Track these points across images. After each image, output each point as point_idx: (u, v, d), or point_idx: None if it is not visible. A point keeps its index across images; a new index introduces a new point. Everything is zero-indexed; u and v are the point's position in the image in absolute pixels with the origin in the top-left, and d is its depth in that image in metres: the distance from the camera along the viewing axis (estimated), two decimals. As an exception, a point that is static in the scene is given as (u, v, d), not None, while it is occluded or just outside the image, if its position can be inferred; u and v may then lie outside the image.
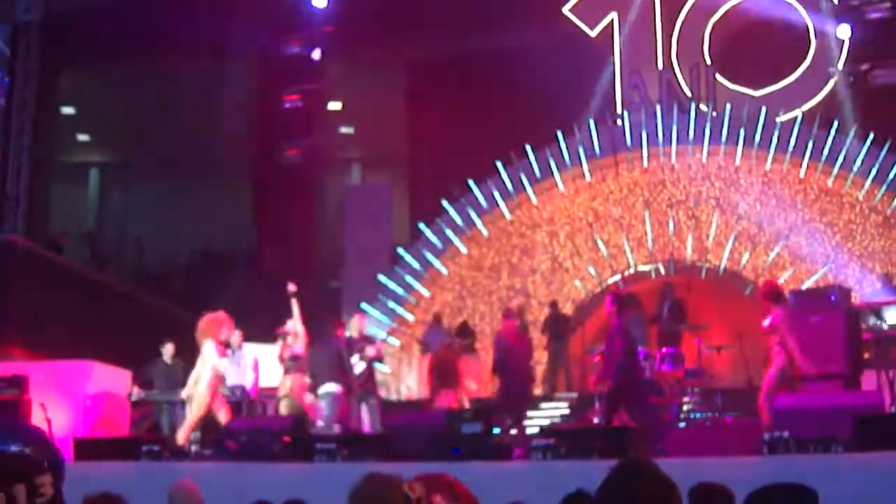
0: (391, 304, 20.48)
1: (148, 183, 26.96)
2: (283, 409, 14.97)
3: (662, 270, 19.40)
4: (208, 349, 13.45)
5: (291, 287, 14.74)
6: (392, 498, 3.85)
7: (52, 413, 13.09)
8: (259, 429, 12.77)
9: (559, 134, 19.90)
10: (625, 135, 19.84)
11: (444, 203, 20.55)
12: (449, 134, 23.53)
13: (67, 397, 14.86)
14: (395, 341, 20.25)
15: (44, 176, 23.47)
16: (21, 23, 22.09)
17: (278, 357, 15.09)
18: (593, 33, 20.94)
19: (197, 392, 13.40)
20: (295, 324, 14.79)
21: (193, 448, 13.56)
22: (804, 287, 17.12)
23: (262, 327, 16.66)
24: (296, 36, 22.71)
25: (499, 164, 20.20)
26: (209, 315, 13.90)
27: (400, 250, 20.99)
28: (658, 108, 19.76)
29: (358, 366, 15.56)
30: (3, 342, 18.01)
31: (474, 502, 4.20)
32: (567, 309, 19.61)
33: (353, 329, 15.37)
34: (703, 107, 19.68)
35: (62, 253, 22.49)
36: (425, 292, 20.48)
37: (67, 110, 26.83)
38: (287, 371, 15.03)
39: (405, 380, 20.49)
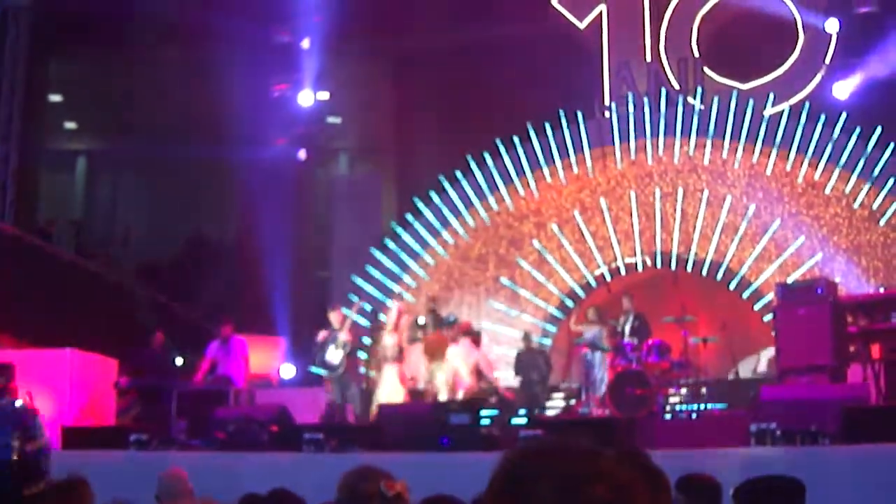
0: (378, 295, 20.45)
1: (136, 171, 26.89)
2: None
3: (649, 262, 19.44)
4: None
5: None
6: (368, 491, 3.90)
7: (37, 401, 13.08)
8: (247, 418, 12.79)
9: (547, 125, 19.88)
10: (612, 127, 19.84)
11: (432, 193, 20.53)
12: (437, 124, 23.53)
13: (52, 385, 14.83)
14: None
15: (31, 163, 23.43)
16: (10, 9, 22.02)
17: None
18: (582, 25, 20.92)
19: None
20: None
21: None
22: (790, 280, 17.15)
23: (251, 316, 16.65)
24: (284, 26, 22.68)
25: (486, 155, 20.18)
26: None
27: (387, 241, 20.94)
28: (646, 100, 19.77)
29: (335, 354, 15.66)
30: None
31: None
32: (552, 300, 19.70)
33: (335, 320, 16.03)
34: (690, 99, 19.68)
35: (50, 240, 22.45)
36: (412, 282, 20.47)
37: (55, 98, 26.75)
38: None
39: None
